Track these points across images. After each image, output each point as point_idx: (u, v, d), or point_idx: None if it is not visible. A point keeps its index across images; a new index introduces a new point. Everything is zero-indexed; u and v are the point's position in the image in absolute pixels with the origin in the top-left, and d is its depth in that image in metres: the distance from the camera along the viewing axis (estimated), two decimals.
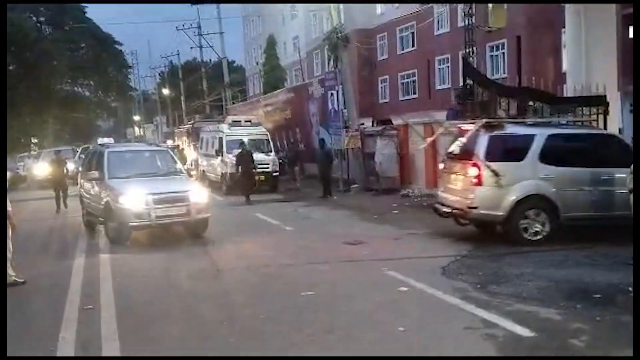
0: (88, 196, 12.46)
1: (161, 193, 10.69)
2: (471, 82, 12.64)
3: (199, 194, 11.13)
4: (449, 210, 9.82)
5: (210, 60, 52.31)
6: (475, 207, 9.21)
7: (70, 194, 16.55)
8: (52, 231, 13.22)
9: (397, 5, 33.45)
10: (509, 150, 9.39)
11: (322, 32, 31.32)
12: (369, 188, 18.00)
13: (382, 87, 37.22)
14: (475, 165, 9.18)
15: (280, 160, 21.31)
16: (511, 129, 9.57)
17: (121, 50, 47.90)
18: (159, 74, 66.27)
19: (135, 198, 10.53)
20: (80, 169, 14.02)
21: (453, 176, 10.00)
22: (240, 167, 17.18)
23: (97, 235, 11.92)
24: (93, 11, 48.43)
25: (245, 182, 17.09)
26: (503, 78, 24.32)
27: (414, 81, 34.19)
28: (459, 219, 9.96)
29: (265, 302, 6.86)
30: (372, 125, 20.45)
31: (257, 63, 49.88)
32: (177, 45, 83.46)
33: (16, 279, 8.10)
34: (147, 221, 10.52)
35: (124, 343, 5.57)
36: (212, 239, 11.13)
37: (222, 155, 20.36)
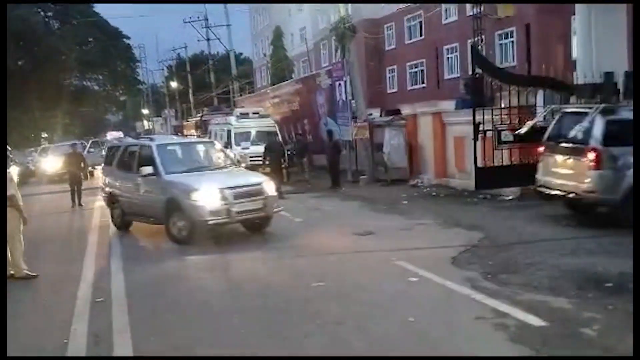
0: (129, 194, 11.27)
1: (238, 187, 9.98)
2: (480, 71, 12.52)
3: (270, 187, 10.50)
4: (560, 194, 9.83)
5: (217, 52, 52.36)
6: (592, 192, 9.22)
7: (84, 188, 16.61)
8: (68, 228, 13.30)
9: None
10: (623, 135, 9.20)
11: (329, 23, 31.12)
12: (377, 179, 17.95)
13: (390, 77, 37.03)
14: (593, 149, 9.22)
15: (289, 152, 21.30)
16: (624, 114, 9.50)
17: (129, 44, 48.07)
18: (167, 68, 66.40)
19: (211, 193, 9.72)
20: (105, 165, 12.79)
21: (560, 160, 10.01)
22: (268, 159, 16.52)
23: (128, 236, 11.84)
24: (100, 6, 48.55)
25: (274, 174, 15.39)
26: (512, 66, 24.14)
27: (422, 71, 33.99)
28: (571, 202, 9.99)
29: (276, 293, 6.87)
30: (381, 116, 20.35)
31: (265, 55, 49.80)
32: (184, 39, 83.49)
33: (28, 273, 8.18)
34: (225, 218, 9.78)
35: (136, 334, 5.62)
36: (218, 230, 11.15)
37: (230, 148, 20.37)
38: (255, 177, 10.87)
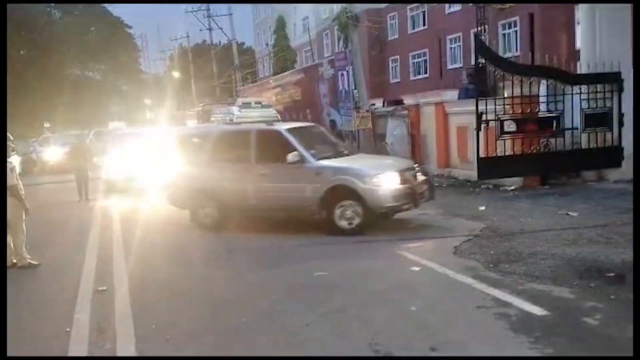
0: (242, 187, 10.01)
1: (409, 169, 9.59)
2: (483, 60, 12.46)
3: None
4: None
5: (220, 42, 52.19)
6: None
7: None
8: (70, 218, 13.32)
9: None
10: None
11: (331, 13, 30.99)
12: None
13: (392, 67, 36.93)
14: None
15: None
16: None
17: (131, 34, 47.95)
18: (169, 57, 66.24)
19: (393, 176, 9.16)
20: (200, 156, 10.79)
21: None
22: None
23: (133, 226, 11.87)
24: None
25: None
26: (516, 56, 24.01)
27: (425, 61, 33.88)
28: None
29: (278, 281, 6.89)
30: (383, 106, 20.29)
31: (267, 45, 49.66)
32: (186, 28, 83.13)
33: (31, 262, 8.22)
34: (406, 202, 9.21)
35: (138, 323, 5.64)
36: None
37: None
38: (407, 160, 10.79)
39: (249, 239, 9.55)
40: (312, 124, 12.59)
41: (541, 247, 7.67)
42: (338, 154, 10.24)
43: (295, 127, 10.58)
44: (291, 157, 9.43)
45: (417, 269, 7.05)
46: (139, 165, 15.72)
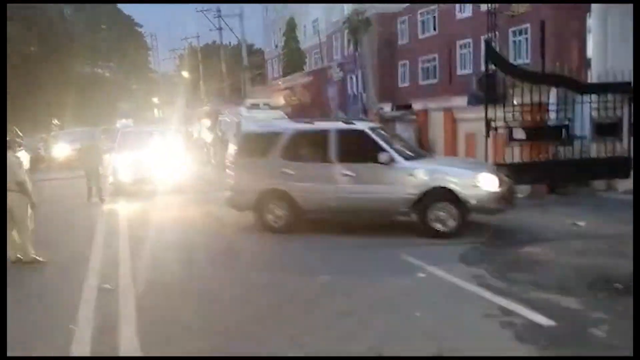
0: (322, 188, 9.58)
1: (496, 171, 9.41)
2: (493, 67, 12.41)
3: None
4: None
5: (230, 43, 52.31)
6: None
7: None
8: (77, 215, 13.36)
9: None
10: None
11: (342, 15, 31.02)
12: None
13: (402, 72, 36.84)
14: None
15: None
16: None
17: (141, 32, 48.15)
18: (179, 56, 66.47)
19: (492, 178, 8.93)
20: (241, 158, 10.42)
21: None
22: None
23: (137, 224, 11.90)
24: None
25: None
26: (526, 63, 23.93)
27: (435, 66, 33.79)
28: None
29: (282, 285, 6.86)
30: (392, 110, 20.27)
31: (277, 46, 49.72)
32: (197, 28, 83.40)
33: (36, 257, 8.23)
34: (503, 204, 9.05)
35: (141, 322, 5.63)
36: (228, 219, 11.16)
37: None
38: (484, 162, 10.76)
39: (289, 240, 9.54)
40: (379, 124, 12.11)
41: (548, 256, 7.61)
42: (418, 155, 10.11)
43: (374, 127, 10.21)
44: (383, 157, 9.11)
45: (422, 275, 7.01)
46: (150, 166, 15.64)
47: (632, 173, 12.44)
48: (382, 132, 10.14)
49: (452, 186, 8.83)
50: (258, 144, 10.37)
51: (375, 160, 9.12)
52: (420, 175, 9.05)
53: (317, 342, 5.07)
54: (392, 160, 9.13)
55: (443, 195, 8.87)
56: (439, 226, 8.93)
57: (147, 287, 6.88)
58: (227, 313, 5.94)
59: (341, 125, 10.03)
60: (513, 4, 21.49)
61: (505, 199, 9.05)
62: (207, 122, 28.13)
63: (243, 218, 10.54)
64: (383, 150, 9.21)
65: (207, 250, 8.86)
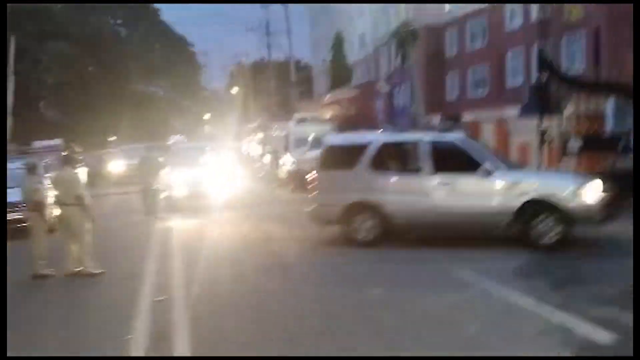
0: (413, 200, 9.37)
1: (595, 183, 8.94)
2: (546, 76, 12.14)
3: None
4: None
5: (278, 59, 53.01)
6: None
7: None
8: (133, 229, 13.68)
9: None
10: None
11: (389, 29, 31.01)
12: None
13: (450, 83, 36.41)
14: None
15: None
16: None
17: (193, 51, 49.43)
18: (229, 74, 67.80)
19: (595, 190, 8.66)
20: (327, 170, 10.07)
21: None
22: None
23: (191, 236, 12.10)
24: (166, 13, 50.56)
25: None
26: (580, 72, 23.26)
27: (485, 77, 33.26)
28: None
29: (331, 299, 6.83)
30: (441, 122, 20.04)
31: (324, 61, 50.07)
32: (246, 45, 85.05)
33: (93, 271, 8.48)
34: (608, 215, 8.78)
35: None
36: (274, 234, 11.23)
37: (288, 153, 20.55)
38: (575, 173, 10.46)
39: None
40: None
41: (608, 270, 7.32)
42: (512, 166, 9.90)
43: (465, 137, 9.92)
44: (483, 168, 8.91)
45: (474, 289, 6.85)
46: (204, 181, 15.79)
47: None
48: (474, 142, 9.92)
49: (555, 197, 8.52)
50: (343, 156, 10.10)
51: (471, 171, 8.92)
52: (521, 186, 8.76)
53: (364, 355, 5.01)
54: (491, 171, 8.90)
55: (545, 206, 8.55)
56: (541, 239, 8.60)
57: (201, 298, 6.97)
58: (278, 325, 5.95)
59: (433, 135, 9.84)
60: (565, 13, 20.97)
61: (607, 210, 8.68)
62: (257, 137, 28.56)
63: (300, 232, 10.64)
64: (480, 161, 9.01)
65: (263, 265, 8.93)
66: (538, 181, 8.97)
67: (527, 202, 8.60)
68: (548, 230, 8.54)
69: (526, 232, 8.68)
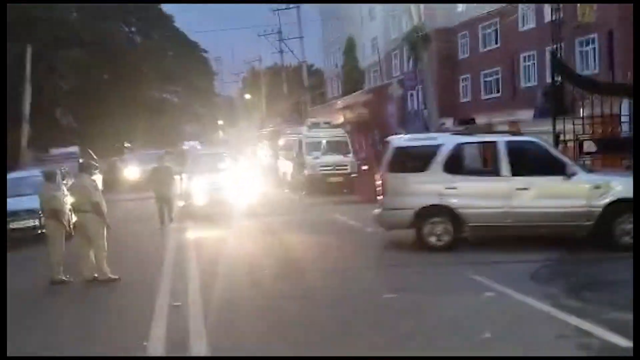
0: (494, 203, 9.10)
1: None
2: (560, 78, 12.07)
3: None
4: None
5: (290, 64, 53.21)
6: None
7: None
8: (149, 235, 13.74)
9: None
10: None
11: (401, 33, 31.01)
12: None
13: (463, 86, 36.30)
14: None
15: (359, 162, 21.27)
16: None
17: (206, 58, 49.71)
18: (242, 80, 68.19)
19: None
20: (397, 172, 9.65)
21: None
22: None
23: (203, 243, 12.16)
24: (179, 19, 50.96)
25: None
26: (594, 74, 23.09)
27: (497, 79, 33.10)
28: None
29: (346, 303, 6.85)
30: (453, 125, 19.98)
31: (337, 65, 50.16)
32: (259, 51, 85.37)
33: (111, 276, 8.57)
34: None
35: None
36: (290, 239, 11.26)
37: (302, 158, 20.55)
38: None
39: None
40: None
41: (626, 274, 7.22)
42: (583, 166, 9.75)
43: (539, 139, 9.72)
44: (567, 169, 8.72)
45: (491, 294, 6.82)
46: (224, 189, 15.22)
47: None
48: (547, 143, 9.67)
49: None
50: (413, 158, 9.79)
51: (553, 172, 8.75)
52: (604, 187, 8.60)
53: None
54: (575, 172, 8.74)
55: (627, 207, 8.28)
56: (622, 239, 8.44)
57: (217, 304, 7.02)
58: (294, 328, 5.97)
59: (510, 136, 9.65)
60: (578, 15, 20.81)
61: None
62: (273, 142, 28.52)
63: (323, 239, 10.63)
64: (561, 162, 8.85)
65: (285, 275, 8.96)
66: (619, 182, 8.71)
67: (611, 203, 8.47)
68: (629, 230, 8.37)
69: (610, 232, 8.52)
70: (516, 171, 8.98)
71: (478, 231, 9.32)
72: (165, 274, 8.93)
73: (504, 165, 9.06)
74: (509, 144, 9.20)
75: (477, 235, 9.37)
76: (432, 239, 9.29)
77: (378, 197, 9.98)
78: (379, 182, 9.90)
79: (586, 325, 5.53)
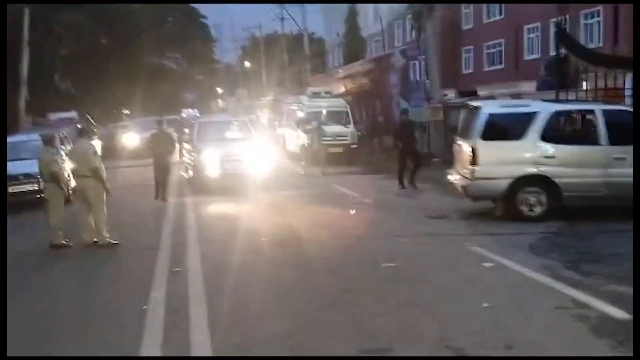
0: (589, 173, 9.00)
1: None
2: (564, 51, 11.93)
3: None
4: None
5: (291, 32, 52.60)
6: None
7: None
8: (147, 201, 13.68)
9: None
10: None
11: (404, 2, 30.55)
12: (451, 162, 17.52)
13: (466, 57, 35.94)
14: None
15: (359, 132, 21.19)
16: None
17: (206, 24, 49.13)
18: (242, 47, 67.45)
19: None
20: (490, 140, 9.27)
21: None
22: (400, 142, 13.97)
23: (201, 207, 12.11)
24: None
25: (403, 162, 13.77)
26: (599, 47, 22.85)
27: (500, 51, 32.76)
28: None
29: (346, 272, 6.88)
30: (455, 97, 19.84)
31: (338, 34, 49.55)
32: (259, 17, 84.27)
33: (111, 241, 8.59)
34: None
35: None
36: (291, 208, 11.26)
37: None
38: None
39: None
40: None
41: (624, 247, 7.24)
42: None
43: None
44: None
45: (490, 264, 6.85)
46: (240, 159, 13.82)
47: None
48: None
49: None
50: (507, 126, 9.47)
51: None
52: None
53: (382, 330, 5.05)
54: None
55: None
56: None
57: (217, 270, 7.05)
58: (295, 299, 6.00)
59: (606, 105, 9.45)
60: None
61: None
62: (273, 111, 28.06)
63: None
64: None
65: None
66: None
67: None
68: None
69: None
70: (613, 140, 8.85)
71: (572, 201, 9.10)
72: (164, 239, 8.95)
73: (602, 134, 8.93)
74: (606, 112, 9.05)
75: (571, 204, 9.13)
76: (524, 209, 9.09)
77: (462, 167, 9.69)
78: (466, 151, 9.52)
79: (584, 297, 5.56)
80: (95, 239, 8.63)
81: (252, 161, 13.88)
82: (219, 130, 15.57)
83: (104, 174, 8.85)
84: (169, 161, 13.36)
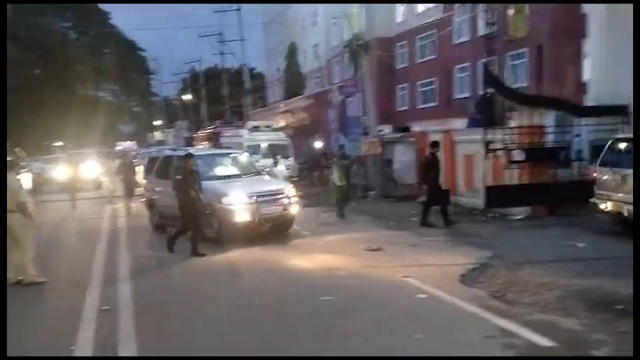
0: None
1: None
2: (491, 90, 12.57)
3: None
4: None
5: (231, 67, 52.83)
6: None
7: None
8: (77, 235, 13.29)
9: (418, 11, 33.61)
10: None
11: (342, 40, 31.39)
12: (387, 195, 17.92)
13: (401, 95, 37.16)
14: None
15: (299, 165, 21.38)
16: None
17: (144, 57, 48.69)
18: (181, 80, 67.01)
19: None
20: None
21: None
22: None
23: (134, 244, 11.83)
24: (117, 17, 49.67)
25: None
26: (524, 87, 24.13)
27: (433, 89, 34.08)
28: None
29: (284, 306, 6.86)
30: (391, 132, 20.39)
31: (278, 70, 50.19)
32: (199, 52, 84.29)
33: (36, 279, 8.23)
34: None
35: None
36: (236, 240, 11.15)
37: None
38: None
39: None
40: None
41: (549, 277, 7.60)
42: None
43: None
44: None
45: (423, 296, 7.00)
46: (271, 198, 11.30)
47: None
48: None
49: None
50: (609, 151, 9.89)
51: None
52: None
53: None
54: None
55: None
56: None
57: (147, 308, 6.87)
58: (230, 336, 5.93)
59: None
60: (510, 30, 21.74)
61: None
62: (212, 143, 27.82)
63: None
64: None
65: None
66: None
67: None
68: None
69: None
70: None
71: None
72: (94, 275, 8.66)
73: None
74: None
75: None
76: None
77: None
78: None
79: (511, 326, 5.74)
80: (21, 277, 8.24)
81: (290, 196, 11.62)
82: (217, 164, 12.69)
83: (32, 208, 8.51)
84: (133, 185, 16.01)
